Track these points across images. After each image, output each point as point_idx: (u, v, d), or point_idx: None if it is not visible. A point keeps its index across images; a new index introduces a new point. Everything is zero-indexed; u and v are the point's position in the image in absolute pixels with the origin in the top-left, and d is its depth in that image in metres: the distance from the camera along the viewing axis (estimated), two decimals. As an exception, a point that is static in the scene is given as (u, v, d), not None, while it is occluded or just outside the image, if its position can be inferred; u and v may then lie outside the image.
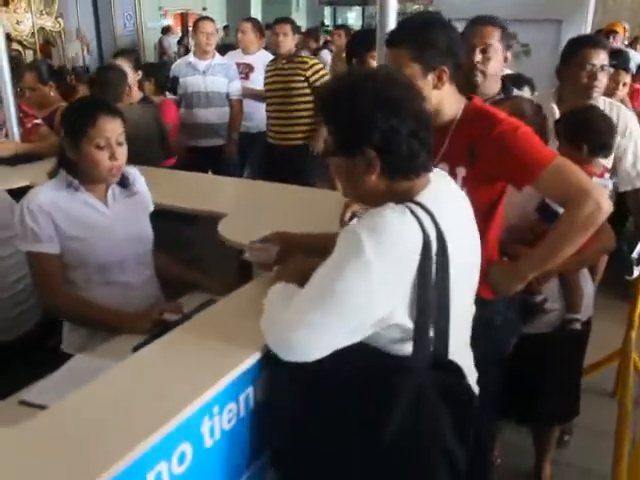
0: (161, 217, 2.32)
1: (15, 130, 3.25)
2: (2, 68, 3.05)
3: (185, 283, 2.16)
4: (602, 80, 2.57)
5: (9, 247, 2.37)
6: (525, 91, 3.24)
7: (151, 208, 2.23)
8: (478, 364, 1.75)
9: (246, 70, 5.06)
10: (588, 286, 2.34)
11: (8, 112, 3.20)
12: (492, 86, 2.39)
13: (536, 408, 2.39)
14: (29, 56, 7.37)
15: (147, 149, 3.45)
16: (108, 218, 2.04)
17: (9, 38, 7.24)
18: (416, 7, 13.06)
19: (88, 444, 1.15)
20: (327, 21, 17.89)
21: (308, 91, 4.35)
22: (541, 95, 3.09)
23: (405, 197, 1.32)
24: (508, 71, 3.59)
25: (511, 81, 3.27)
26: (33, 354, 1.72)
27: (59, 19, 7.38)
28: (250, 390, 1.46)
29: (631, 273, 3.24)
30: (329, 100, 1.37)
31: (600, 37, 2.70)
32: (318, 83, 4.27)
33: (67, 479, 1.07)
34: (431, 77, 1.72)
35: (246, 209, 2.35)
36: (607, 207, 1.64)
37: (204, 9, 14.84)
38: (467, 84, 2.37)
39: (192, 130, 4.64)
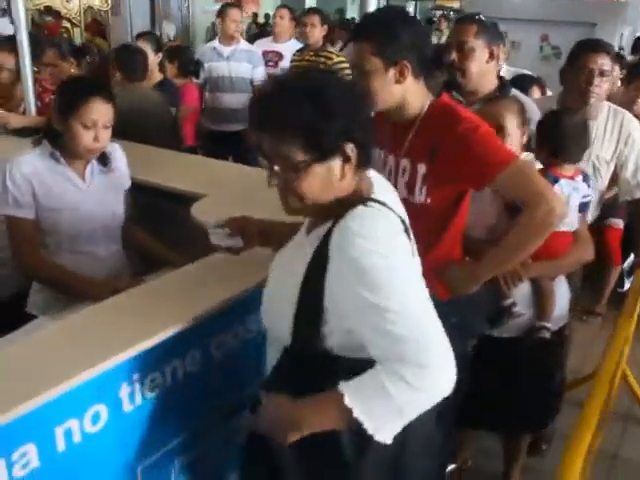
0: (146, 193, 2.40)
1: (32, 104, 3.37)
2: (22, 43, 3.17)
3: (157, 258, 2.24)
4: (601, 85, 2.48)
5: None
6: (534, 91, 3.21)
7: (127, 185, 2.31)
8: None
9: (275, 58, 5.11)
10: (564, 294, 2.29)
11: (26, 87, 3.33)
12: (485, 84, 2.34)
13: (504, 414, 2.34)
14: (77, 34, 7.61)
15: (159, 135, 3.54)
16: (83, 192, 2.13)
17: (59, 16, 7.51)
18: (453, 5, 12.93)
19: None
20: (382, 14, 17.74)
21: None
22: (547, 97, 3.05)
23: (365, 196, 1.30)
24: (511, 69, 3.56)
25: (518, 81, 3.26)
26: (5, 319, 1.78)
27: (107, -1, 7.62)
28: (177, 363, 1.52)
29: (622, 285, 3.19)
30: (287, 107, 1.20)
31: (604, 42, 2.59)
32: None
33: None
34: (392, 72, 1.70)
35: (227, 192, 2.40)
36: (561, 211, 1.64)
37: (259, -5, 14.88)
38: (455, 83, 2.37)
39: (215, 114, 4.73)
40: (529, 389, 2.26)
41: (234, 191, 2.43)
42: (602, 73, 2.46)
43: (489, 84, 2.36)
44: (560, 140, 2.13)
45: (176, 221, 2.38)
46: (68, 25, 7.64)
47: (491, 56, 2.32)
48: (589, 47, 2.54)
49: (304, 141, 1.20)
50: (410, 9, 18.39)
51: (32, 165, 2.06)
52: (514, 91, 2.46)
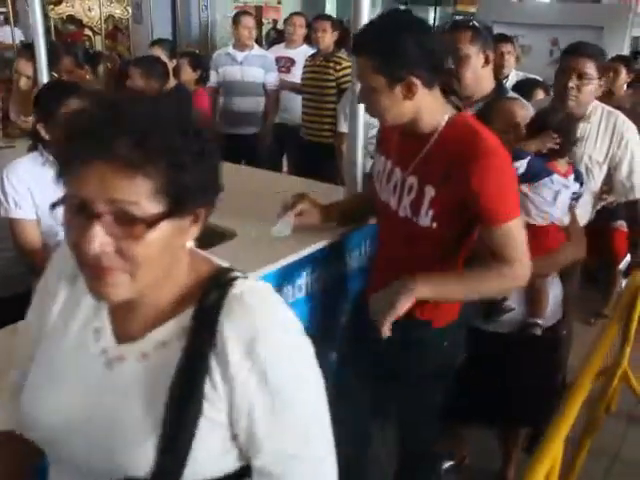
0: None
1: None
2: (39, 50, 3.29)
3: None
4: (580, 88, 2.51)
5: None
6: (537, 93, 3.24)
7: None
8: (423, 379, 1.91)
9: (287, 64, 5.22)
10: (556, 292, 2.33)
11: (42, 93, 3.44)
12: (482, 88, 2.37)
13: (499, 408, 2.37)
14: (98, 41, 7.81)
15: None
16: None
17: (81, 24, 7.71)
18: (473, 10, 12.94)
19: None
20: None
21: (334, 92, 4.44)
22: (544, 99, 3.07)
23: None
24: (520, 74, 3.60)
25: (522, 84, 3.30)
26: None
27: (127, 7, 7.78)
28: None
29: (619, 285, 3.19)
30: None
31: (591, 47, 2.60)
32: (345, 86, 4.30)
33: None
34: (399, 89, 1.58)
35: (237, 194, 2.48)
36: (522, 282, 1.71)
37: (279, 2, 15.04)
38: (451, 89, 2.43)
39: (229, 118, 4.85)
40: (523, 385, 2.28)
41: (244, 193, 2.51)
42: (580, 76, 2.49)
43: (486, 87, 2.39)
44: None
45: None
46: (90, 33, 7.85)
47: (486, 61, 2.34)
48: (572, 50, 2.58)
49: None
50: (430, 15, 18.47)
51: (27, 168, 2.15)
52: (511, 92, 2.50)
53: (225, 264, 1.02)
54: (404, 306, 1.61)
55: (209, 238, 1.73)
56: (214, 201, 0.94)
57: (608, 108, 2.70)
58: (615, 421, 3.02)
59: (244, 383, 0.88)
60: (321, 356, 0.98)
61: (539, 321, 2.22)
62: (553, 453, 1.59)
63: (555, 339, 2.37)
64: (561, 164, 2.17)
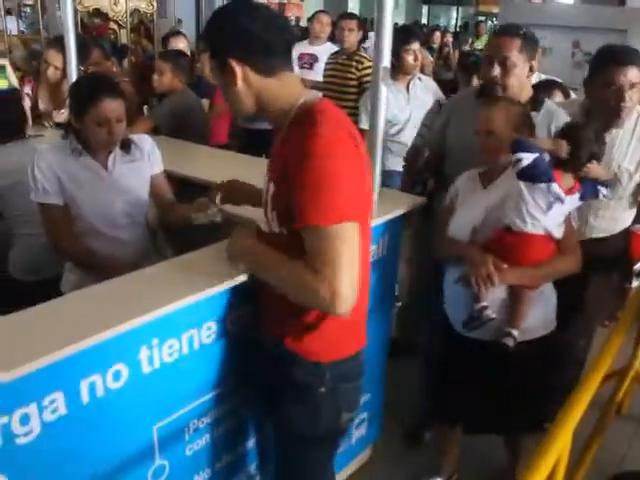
0: (179, 184, 2.57)
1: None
2: (69, 43, 3.37)
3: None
4: (632, 98, 2.38)
5: None
6: (555, 95, 3.26)
7: (157, 171, 2.45)
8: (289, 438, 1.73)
9: (310, 60, 5.26)
10: (547, 306, 2.23)
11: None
12: (521, 97, 2.32)
13: (492, 415, 2.32)
14: (123, 35, 7.90)
15: (201, 132, 3.78)
16: (104, 181, 2.28)
17: (107, 18, 7.80)
18: (494, 10, 12.90)
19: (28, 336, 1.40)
20: (424, 20, 17.85)
21: (356, 90, 4.46)
22: (570, 101, 3.04)
23: None
24: (542, 77, 3.62)
25: (540, 85, 3.32)
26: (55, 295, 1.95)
27: (153, 1, 7.86)
28: (194, 332, 1.67)
29: (630, 282, 3.18)
30: None
31: (631, 52, 2.40)
32: (367, 85, 4.33)
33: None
34: (226, 75, 1.49)
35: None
36: (327, 306, 1.41)
37: (301, 0, 15.10)
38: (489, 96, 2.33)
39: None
40: (511, 392, 2.24)
41: (258, 183, 2.58)
42: (632, 86, 2.36)
43: (524, 97, 2.36)
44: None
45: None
46: (115, 27, 7.94)
47: (530, 70, 2.33)
48: (615, 60, 2.38)
49: None
50: (453, 14, 18.45)
51: (56, 155, 2.23)
52: (548, 102, 2.44)
53: None
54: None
55: (228, 228, 1.83)
56: None
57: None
58: (625, 422, 3.05)
59: None
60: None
61: (514, 332, 2.11)
62: (559, 448, 1.61)
63: (535, 354, 2.20)
64: (566, 178, 2.08)
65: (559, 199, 2.03)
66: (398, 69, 3.76)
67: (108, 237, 2.30)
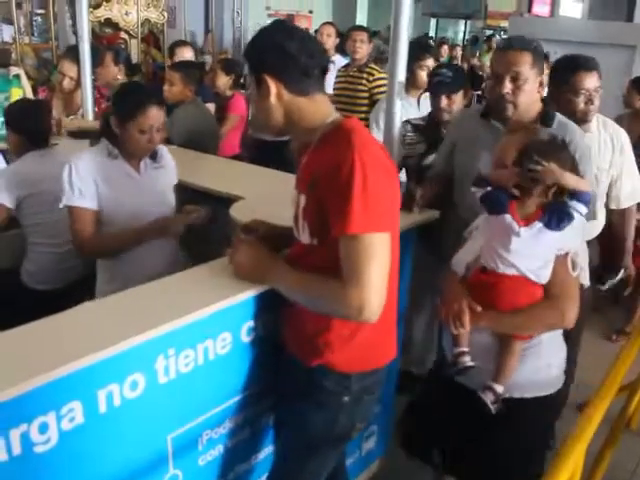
0: (191, 194, 2.58)
1: (90, 110, 3.63)
2: (84, 53, 3.43)
3: None
4: (595, 103, 2.52)
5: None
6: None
7: (175, 181, 2.53)
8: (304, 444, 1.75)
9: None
10: (549, 357, 1.98)
11: (85, 94, 3.59)
12: (529, 113, 2.25)
13: (473, 464, 2.12)
14: (134, 45, 7.96)
15: (213, 142, 3.82)
16: (138, 184, 2.35)
17: (118, 28, 7.87)
18: (504, 25, 12.96)
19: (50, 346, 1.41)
20: (431, 33, 17.91)
21: (367, 102, 4.50)
22: None
23: None
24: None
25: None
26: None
27: (164, 12, 7.93)
28: (209, 343, 1.68)
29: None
30: None
31: (590, 58, 2.56)
32: (378, 97, 4.39)
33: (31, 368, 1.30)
34: (261, 89, 1.56)
35: (263, 195, 2.58)
36: (355, 313, 1.46)
37: (310, 12, 15.18)
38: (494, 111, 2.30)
39: (252, 122, 4.91)
40: (484, 454, 2.05)
41: (270, 195, 2.60)
42: (596, 91, 2.51)
43: (533, 112, 2.28)
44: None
45: (216, 220, 2.55)
46: (126, 37, 8.00)
47: (540, 85, 2.25)
48: (582, 67, 2.51)
49: None
50: (461, 27, 18.51)
51: (93, 161, 2.29)
52: (559, 116, 2.33)
53: None
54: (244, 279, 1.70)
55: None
56: None
57: (601, 117, 2.69)
58: (636, 438, 3.03)
59: None
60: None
61: (496, 387, 1.90)
62: (572, 464, 1.61)
63: (520, 413, 1.97)
64: (524, 207, 1.85)
65: (513, 231, 1.83)
66: (411, 83, 3.77)
67: None
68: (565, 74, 2.54)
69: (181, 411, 1.69)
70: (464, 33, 16.95)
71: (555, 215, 1.81)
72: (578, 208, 1.81)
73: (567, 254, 1.84)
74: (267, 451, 2.07)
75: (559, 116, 2.31)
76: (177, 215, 2.40)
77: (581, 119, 2.50)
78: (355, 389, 1.68)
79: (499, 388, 1.90)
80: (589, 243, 2.44)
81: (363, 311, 1.45)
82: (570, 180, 1.81)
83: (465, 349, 1.93)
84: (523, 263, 1.84)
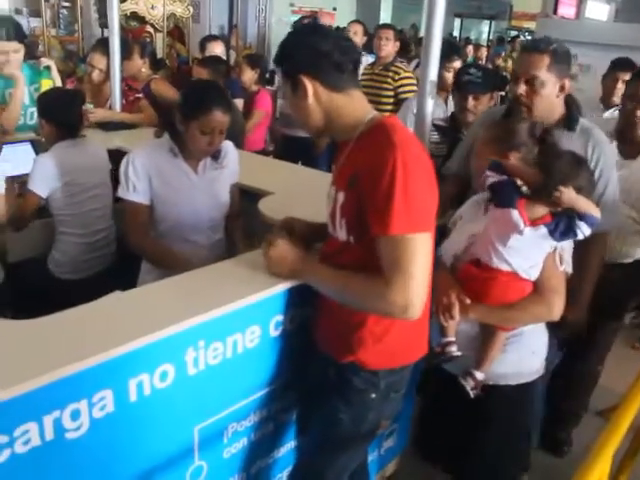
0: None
1: (118, 102, 3.66)
2: (114, 46, 3.46)
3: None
4: None
5: (99, 202, 2.80)
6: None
7: (235, 180, 2.51)
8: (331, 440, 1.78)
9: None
10: (531, 348, 2.04)
11: (114, 85, 3.62)
12: (549, 117, 2.18)
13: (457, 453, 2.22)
14: (159, 38, 8.01)
15: (241, 137, 3.84)
16: (195, 185, 2.33)
17: (144, 21, 7.92)
18: (529, 26, 12.85)
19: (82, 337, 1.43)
20: (455, 33, 17.83)
21: (392, 101, 4.49)
22: (606, 120, 3.03)
23: None
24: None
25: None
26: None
27: (189, 7, 7.99)
28: (238, 337, 1.69)
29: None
30: None
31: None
32: (403, 96, 4.38)
33: (69, 354, 1.34)
34: (297, 91, 1.57)
35: (291, 191, 2.59)
36: (399, 311, 1.47)
37: (334, 9, 15.18)
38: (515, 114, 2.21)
39: (288, 119, 4.94)
40: (470, 439, 2.14)
41: (298, 190, 2.62)
42: None
43: (554, 115, 2.20)
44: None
45: (246, 215, 2.56)
46: (151, 30, 8.06)
47: (561, 89, 2.15)
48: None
49: None
50: (485, 28, 18.42)
51: (151, 157, 2.28)
52: (583, 120, 2.25)
53: None
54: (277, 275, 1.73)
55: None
56: None
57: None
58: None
59: None
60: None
61: (476, 374, 1.96)
62: (598, 472, 1.59)
63: (502, 401, 2.06)
64: (535, 209, 1.84)
65: (517, 229, 1.82)
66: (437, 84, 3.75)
67: (189, 240, 2.34)
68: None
69: (209, 403, 1.70)
70: (488, 33, 16.88)
71: (562, 227, 1.82)
72: (583, 229, 1.83)
73: (555, 250, 1.87)
74: (289, 446, 2.08)
75: (583, 121, 2.25)
76: None
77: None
78: (382, 386, 1.69)
79: (479, 375, 1.97)
80: None
81: (407, 310, 1.46)
82: (582, 205, 1.82)
83: (452, 339, 1.97)
84: (516, 261, 1.86)
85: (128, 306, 1.60)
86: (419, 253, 1.45)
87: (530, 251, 1.85)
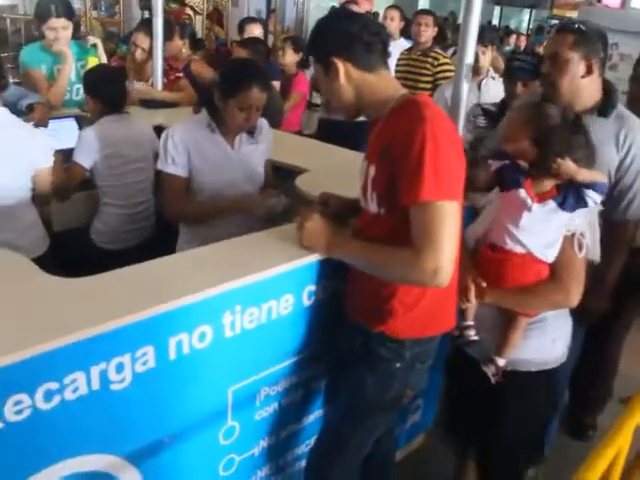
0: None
1: (159, 80, 3.75)
2: (157, 27, 3.55)
3: None
4: None
5: (141, 175, 2.90)
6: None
7: (268, 156, 2.60)
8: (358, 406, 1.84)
9: (381, 56, 5.30)
10: (553, 334, 2.02)
11: (156, 65, 3.71)
12: (580, 101, 2.15)
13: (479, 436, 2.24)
14: (198, 21, 8.12)
15: (279, 116, 3.91)
16: (231, 159, 2.42)
17: (183, 3, 8.02)
18: (570, 15, 12.61)
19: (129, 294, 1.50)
20: (495, 21, 17.59)
21: (429, 86, 4.49)
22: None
23: None
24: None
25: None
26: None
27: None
28: (273, 303, 1.76)
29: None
30: None
31: None
32: (441, 82, 4.38)
33: (124, 308, 1.41)
34: (329, 72, 1.64)
35: (326, 169, 2.65)
36: (429, 278, 1.51)
37: (373, -5, 15.06)
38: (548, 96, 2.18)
39: (324, 104, 4.97)
40: (491, 422, 2.14)
41: (333, 168, 2.68)
42: None
43: (586, 100, 2.17)
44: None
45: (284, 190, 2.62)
46: (191, 13, 8.16)
47: (589, 70, 2.12)
48: None
49: None
50: (525, 17, 18.13)
51: (190, 131, 2.37)
52: (619, 107, 2.22)
53: None
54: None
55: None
56: None
57: None
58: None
59: None
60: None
61: (498, 360, 1.97)
62: (619, 442, 1.60)
63: (523, 387, 2.06)
64: (540, 184, 1.84)
65: (525, 206, 1.83)
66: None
67: None
68: None
69: (243, 366, 1.78)
70: (528, 22, 16.61)
71: (570, 196, 1.81)
72: (593, 197, 1.81)
73: (573, 235, 1.85)
74: (318, 414, 2.15)
75: (620, 107, 2.22)
76: (260, 195, 2.43)
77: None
78: (407, 356, 1.74)
79: (501, 361, 1.98)
80: None
81: (437, 276, 1.50)
82: (585, 176, 1.80)
83: (470, 323, 1.99)
84: (530, 240, 1.86)
85: (169, 269, 1.69)
86: (448, 220, 1.49)
87: (543, 228, 1.85)
